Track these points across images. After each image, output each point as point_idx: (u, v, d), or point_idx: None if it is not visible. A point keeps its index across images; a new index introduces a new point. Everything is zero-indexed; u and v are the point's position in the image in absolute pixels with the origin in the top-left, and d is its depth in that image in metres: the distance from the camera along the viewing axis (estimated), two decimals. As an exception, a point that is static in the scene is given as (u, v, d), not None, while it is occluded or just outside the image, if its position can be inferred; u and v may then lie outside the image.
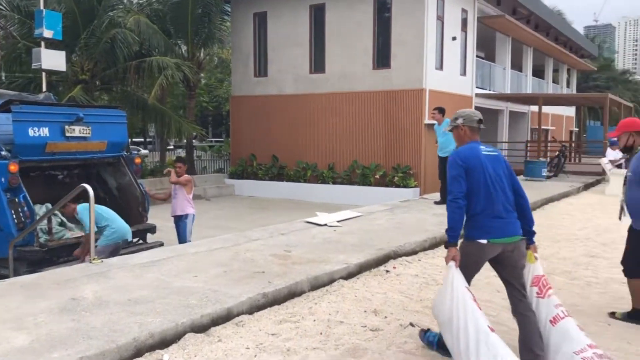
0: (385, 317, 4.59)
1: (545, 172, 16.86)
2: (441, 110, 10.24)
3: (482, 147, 3.84)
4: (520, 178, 16.85)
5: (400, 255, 6.62)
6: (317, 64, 19.01)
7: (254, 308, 4.62)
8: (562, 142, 23.62)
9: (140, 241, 8.46)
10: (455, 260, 3.63)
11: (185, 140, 22.36)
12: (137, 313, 4.15)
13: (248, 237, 7.24)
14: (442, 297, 3.64)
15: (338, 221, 8.41)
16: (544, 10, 27.31)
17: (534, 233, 3.91)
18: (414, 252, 6.90)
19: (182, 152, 27.45)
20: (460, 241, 3.74)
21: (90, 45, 17.39)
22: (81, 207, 6.83)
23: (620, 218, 5.30)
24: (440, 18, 17.83)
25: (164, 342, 3.81)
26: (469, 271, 3.72)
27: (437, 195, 10.98)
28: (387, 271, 6.05)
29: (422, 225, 8.38)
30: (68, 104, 11.33)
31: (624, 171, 14.59)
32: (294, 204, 17.27)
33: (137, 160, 9.00)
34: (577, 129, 32.81)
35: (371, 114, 17.85)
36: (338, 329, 4.26)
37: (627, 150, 5.05)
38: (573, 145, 26.32)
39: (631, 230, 4.87)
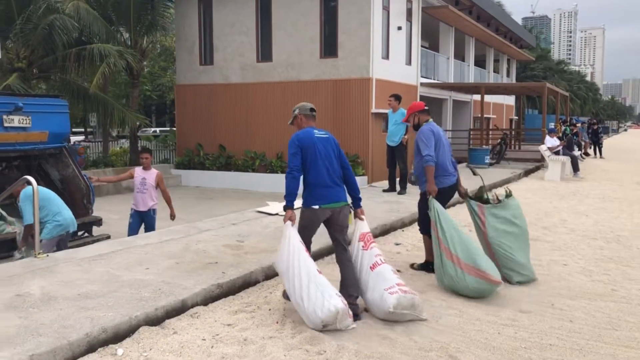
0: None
1: (488, 160, 17.41)
2: (397, 98, 10.38)
3: (315, 130, 4.66)
4: (463, 165, 17.35)
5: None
6: (264, 52, 18.85)
7: (209, 299, 4.60)
8: (503, 130, 24.41)
9: (86, 234, 8.23)
10: (292, 220, 4.41)
11: (129, 130, 21.75)
12: (88, 308, 4.06)
13: (199, 228, 7.16)
14: (281, 251, 4.37)
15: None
16: (485, 2, 28.05)
17: (359, 199, 4.79)
18: (365, 240, 6.99)
19: (125, 143, 26.70)
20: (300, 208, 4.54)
21: (26, 31, 16.60)
22: (24, 193, 6.44)
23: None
24: (386, 8, 18.01)
25: (118, 337, 3.75)
26: (308, 231, 4.58)
27: (385, 184, 11.17)
28: (340, 259, 6.12)
29: (371, 212, 8.47)
30: (6, 93, 10.82)
31: (562, 157, 15.31)
32: (243, 194, 17.15)
33: (81, 151, 8.72)
34: (516, 117, 33.94)
35: (319, 102, 17.83)
36: (294, 317, 4.29)
37: (416, 127, 5.87)
38: (513, 133, 27.23)
39: (421, 194, 5.75)
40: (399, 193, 10.49)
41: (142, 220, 7.73)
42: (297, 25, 18.01)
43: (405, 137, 10.31)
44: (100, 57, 16.84)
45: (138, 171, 7.78)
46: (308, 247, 4.49)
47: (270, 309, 4.50)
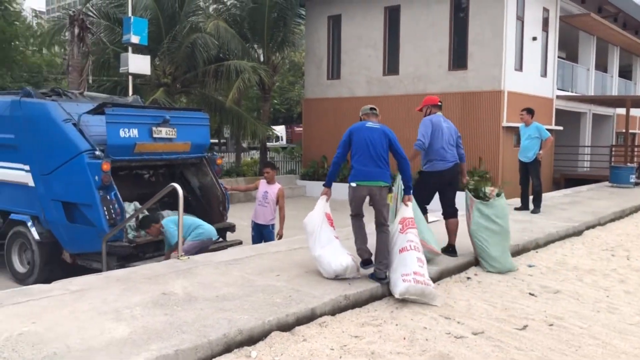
0: (469, 325, 4.50)
1: (633, 179, 15.96)
2: (530, 111, 9.91)
3: (368, 122, 5.45)
4: (605, 184, 16.06)
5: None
6: (391, 65, 18.87)
7: (336, 309, 4.66)
8: (650, 146, 22.27)
9: (221, 239, 8.69)
10: (327, 195, 5.42)
11: (258, 142, 22.81)
12: (225, 309, 4.28)
13: (326, 239, 7.28)
14: (310, 217, 5.38)
15: (415, 225, 8.32)
16: (634, 8, 25.84)
17: (410, 187, 5.43)
18: (495, 259, 6.71)
19: (255, 154, 28.03)
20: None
21: (172, 49, 18.09)
22: (166, 222, 7.00)
23: None
24: (520, 18, 17.26)
25: (252, 340, 3.92)
26: (354, 204, 5.38)
27: (516, 201, 10.63)
28: (469, 278, 5.94)
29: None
30: (155, 107, 11.84)
31: None
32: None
33: (219, 161, 9.27)
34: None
35: (447, 115, 17.27)
36: (422, 335, 4.22)
37: None
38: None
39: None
40: (532, 212, 9.93)
41: (262, 233, 7.84)
42: (426, 37, 17.84)
43: (540, 152, 9.77)
44: (236, 73, 17.87)
45: (262, 184, 7.91)
46: (361, 217, 5.42)
47: (397, 324, 4.46)
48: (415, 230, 5.31)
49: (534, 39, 17.98)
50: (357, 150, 5.28)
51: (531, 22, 17.83)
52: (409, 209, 5.38)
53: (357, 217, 5.46)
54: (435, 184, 6.35)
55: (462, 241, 6.69)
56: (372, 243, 5.45)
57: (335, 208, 5.63)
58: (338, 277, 5.16)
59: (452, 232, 6.49)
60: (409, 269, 4.96)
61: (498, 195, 6.28)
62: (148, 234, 7.46)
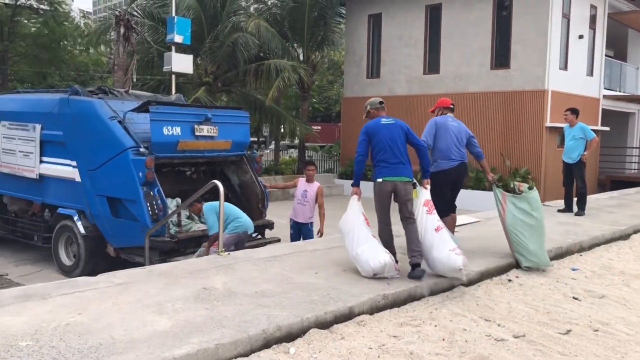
0: (510, 328, 4.42)
1: (684, 182, 15.37)
2: (574, 111, 9.65)
3: (383, 119, 5.59)
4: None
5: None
6: (431, 64, 18.69)
7: (374, 309, 4.64)
8: None
9: (259, 236, 8.80)
10: (357, 194, 5.57)
11: (297, 141, 22.95)
12: (264, 305, 4.32)
13: (364, 238, 7.27)
14: (345, 217, 5.48)
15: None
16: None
17: (428, 171, 5.66)
18: (537, 262, 6.57)
19: (294, 152, 28.17)
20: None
21: (214, 49, 18.37)
22: (206, 207, 7.16)
23: None
24: (566, 15, 16.83)
25: (290, 336, 3.94)
26: (380, 200, 5.50)
27: (560, 203, 10.38)
28: (510, 280, 5.82)
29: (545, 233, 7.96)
30: (197, 105, 12.05)
31: None
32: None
33: (258, 159, 9.37)
34: None
35: (487, 115, 17.26)
36: (461, 336, 4.16)
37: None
38: None
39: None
40: (576, 214, 9.67)
41: (301, 231, 7.86)
42: (467, 36, 17.60)
43: (585, 153, 9.51)
44: (276, 72, 18.03)
45: (301, 182, 7.93)
46: (388, 214, 5.49)
47: (436, 325, 4.41)
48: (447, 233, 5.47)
49: (581, 37, 17.52)
50: (380, 149, 5.44)
51: (578, 19, 17.37)
52: (428, 192, 5.60)
53: (384, 223, 5.52)
54: (443, 184, 6.27)
55: (500, 243, 6.59)
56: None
57: (370, 207, 5.61)
58: (376, 276, 5.15)
59: (450, 226, 6.36)
60: (452, 244, 5.24)
61: (530, 188, 6.16)
62: (191, 211, 7.76)
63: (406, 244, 5.42)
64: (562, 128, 11.16)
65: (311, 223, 7.90)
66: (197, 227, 8.15)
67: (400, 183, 5.42)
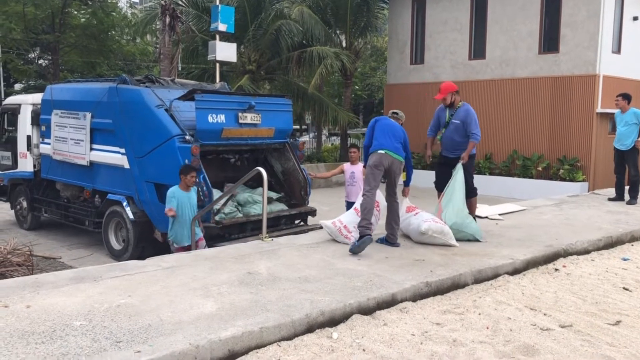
0: (556, 318, 4.34)
1: None
2: (626, 97, 9.31)
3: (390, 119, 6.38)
4: None
5: (570, 254, 6.21)
6: (477, 49, 18.29)
7: (417, 296, 4.63)
8: None
9: (302, 223, 8.86)
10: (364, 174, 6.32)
11: (339, 128, 22.89)
12: (308, 291, 4.37)
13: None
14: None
15: (500, 214, 8.09)
16: None
17: (409, 182, 6.58)
18: (586, 252, 6.42)
19: (336, 140, 28.16)
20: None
21: (257, 37, 18.47)
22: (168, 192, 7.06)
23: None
24: (620, -4, 16.17)
25: (333, 321, 3.98)
26: (375, 170, 5.90)
27: (610, 191, 10.05)
28: (557, 269, 5.71)
29: (594, 222, 7.75)
30: (241, 93, 12.17)
31: None
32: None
33: (301, 147, 9.41)
34: None
35: (534, 101, 16.81)
36: (505, 325, 4.12)
37: (450, 106, 6.84)
38: None
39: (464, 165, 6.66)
40: (628, 203, 9.36)
41: None
42: (515, 19, 17.13)
43: (639, 139, 9.17)
44: (319, 59, 17.99)
45: (347, 166, 8.23)
46: (377, 184, 5.95)
47: (480, 313, 4.37)
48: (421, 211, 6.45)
49: (635, 18, 16.80)
50: (383, 131, 6.07)
51: (632, 0, 16.64)
52: (407, 200, 6.59)
53: (371, 192, 5.91)
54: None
55: (547, 232, 6.45)
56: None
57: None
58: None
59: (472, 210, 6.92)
60: (427, 217, 6.20)
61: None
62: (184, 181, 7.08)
63: (386, 219, 6.16)
64: (613, 114, 10.79)
65: None
66: (241, 214, 8.27)
67: (397, 161, 6.00)
